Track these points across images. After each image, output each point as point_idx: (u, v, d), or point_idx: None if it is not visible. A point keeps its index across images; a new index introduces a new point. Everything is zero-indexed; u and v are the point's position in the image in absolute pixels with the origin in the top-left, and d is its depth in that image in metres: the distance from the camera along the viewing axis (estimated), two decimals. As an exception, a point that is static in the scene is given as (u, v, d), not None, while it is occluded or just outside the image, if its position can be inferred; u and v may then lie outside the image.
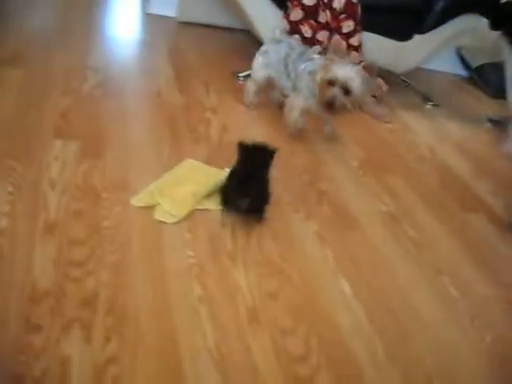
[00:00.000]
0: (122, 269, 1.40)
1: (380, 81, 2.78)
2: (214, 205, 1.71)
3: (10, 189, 1.59)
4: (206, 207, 1.70)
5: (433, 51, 3.05)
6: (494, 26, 2.96)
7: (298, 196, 1.91)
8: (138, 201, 1.66)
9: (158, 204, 1.65)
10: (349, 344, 1.36)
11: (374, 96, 2.77)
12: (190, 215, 1.65)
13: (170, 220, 1.61)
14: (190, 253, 1.51)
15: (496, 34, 3.34)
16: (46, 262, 1.37)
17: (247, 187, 1.64)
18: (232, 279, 1.46)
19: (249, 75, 2.76)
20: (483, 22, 2.96)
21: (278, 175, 1.98)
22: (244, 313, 1.37)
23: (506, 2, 2.90)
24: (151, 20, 3.62)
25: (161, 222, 1.60)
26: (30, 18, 3.01)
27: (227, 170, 1.82)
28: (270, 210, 1.74)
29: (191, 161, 1.91)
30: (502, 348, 1.50)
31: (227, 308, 1.37)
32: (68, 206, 1.58)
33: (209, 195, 1.74)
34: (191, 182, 1.77)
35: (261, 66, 2.42)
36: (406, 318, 1.49)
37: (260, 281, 1.48)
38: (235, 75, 2.80)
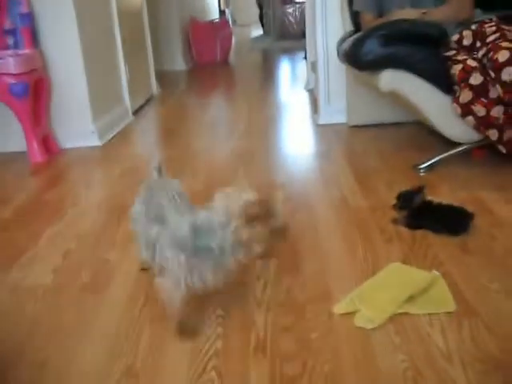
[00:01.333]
0: (335, 379, 1.40)
1: None
2: (415, 308, 1.65)
3: (221, 312, 1.70)
4: (406, 311, 1.64)
5: None
6: None
7: None
8: (339, 308, 1.67)
9: (359, 310, 1.65)
10: None
11: None
12: (395, 318, 1.61)
13: (369, 326, 1.59)
14: (403, 356, 1.46)
15: None
16: (261, 379, 1.41)
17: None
18: (450, 380, 1.38)
19: (431, 165, 2.75)
20: None
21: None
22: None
23: None
24: (323, 130, 3.79)
25: (363, 328, 1.59)
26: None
27: (435, 272, 1.78)
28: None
29: (396, 264, 1.89)
30: None
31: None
32: (275, 323, 1.63)
33: (410, 299, 1.67)
34: (392, 287, 1.74)
35: None
36: None
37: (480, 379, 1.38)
38: (415, 168, 2.78)
